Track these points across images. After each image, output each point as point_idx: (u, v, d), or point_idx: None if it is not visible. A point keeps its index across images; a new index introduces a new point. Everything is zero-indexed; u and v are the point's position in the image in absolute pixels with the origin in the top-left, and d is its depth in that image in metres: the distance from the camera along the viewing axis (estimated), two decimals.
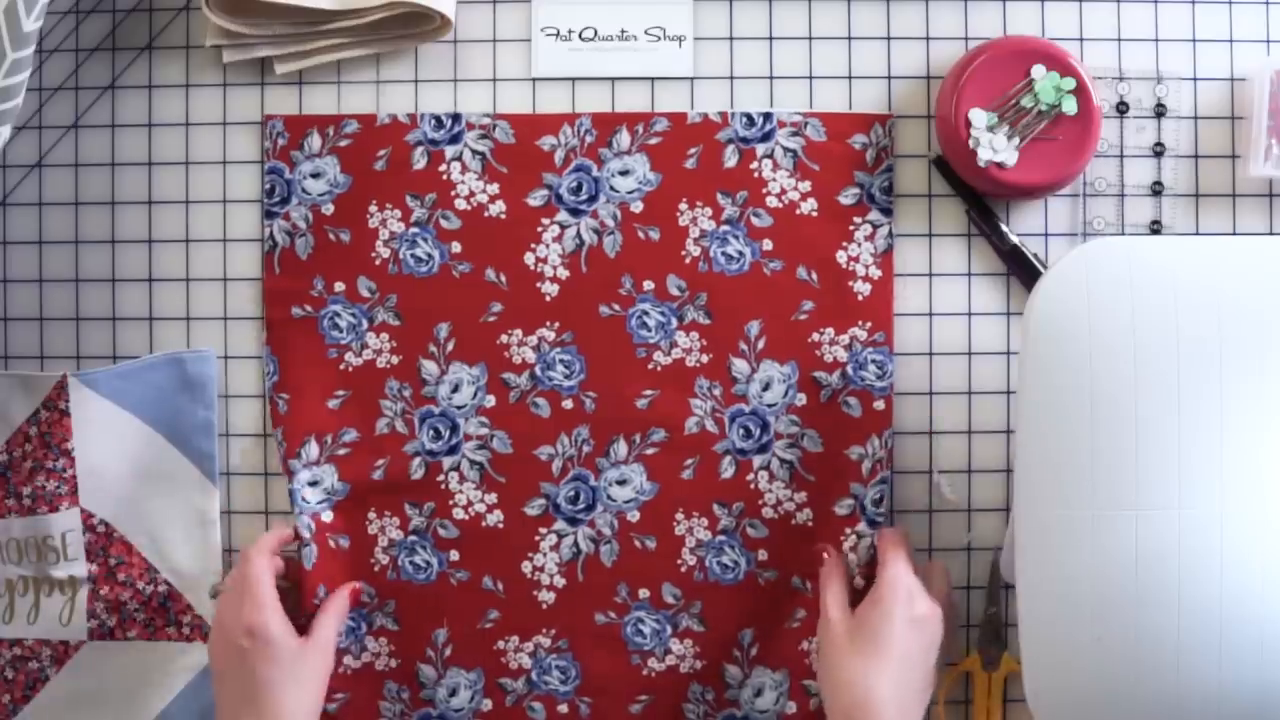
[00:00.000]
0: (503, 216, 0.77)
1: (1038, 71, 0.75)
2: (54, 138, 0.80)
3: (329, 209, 0.78)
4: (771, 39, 0.79)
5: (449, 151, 0.77)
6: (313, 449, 0.77)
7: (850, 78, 0.79)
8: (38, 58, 0.77)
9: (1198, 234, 0.79)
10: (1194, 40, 0.79)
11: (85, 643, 0.77)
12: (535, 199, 0.77)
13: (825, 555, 0.74)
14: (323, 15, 0.76)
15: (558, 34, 0.79)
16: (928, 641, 0.70)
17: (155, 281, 0.80)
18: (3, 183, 0.80)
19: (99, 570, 0.77)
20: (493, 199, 0.77)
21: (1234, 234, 0.79)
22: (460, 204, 0.77)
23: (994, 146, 0.75)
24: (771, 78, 0.79)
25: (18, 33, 0.65)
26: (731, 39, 0.79)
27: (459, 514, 0.77)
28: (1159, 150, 0.78)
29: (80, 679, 0.77)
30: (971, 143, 0.75)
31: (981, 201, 0.78)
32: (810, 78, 0.79)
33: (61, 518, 0.77)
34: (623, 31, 0.79)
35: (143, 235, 0.80)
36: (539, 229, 0.77)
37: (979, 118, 0.75)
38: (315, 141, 0.78)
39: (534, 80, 0.79)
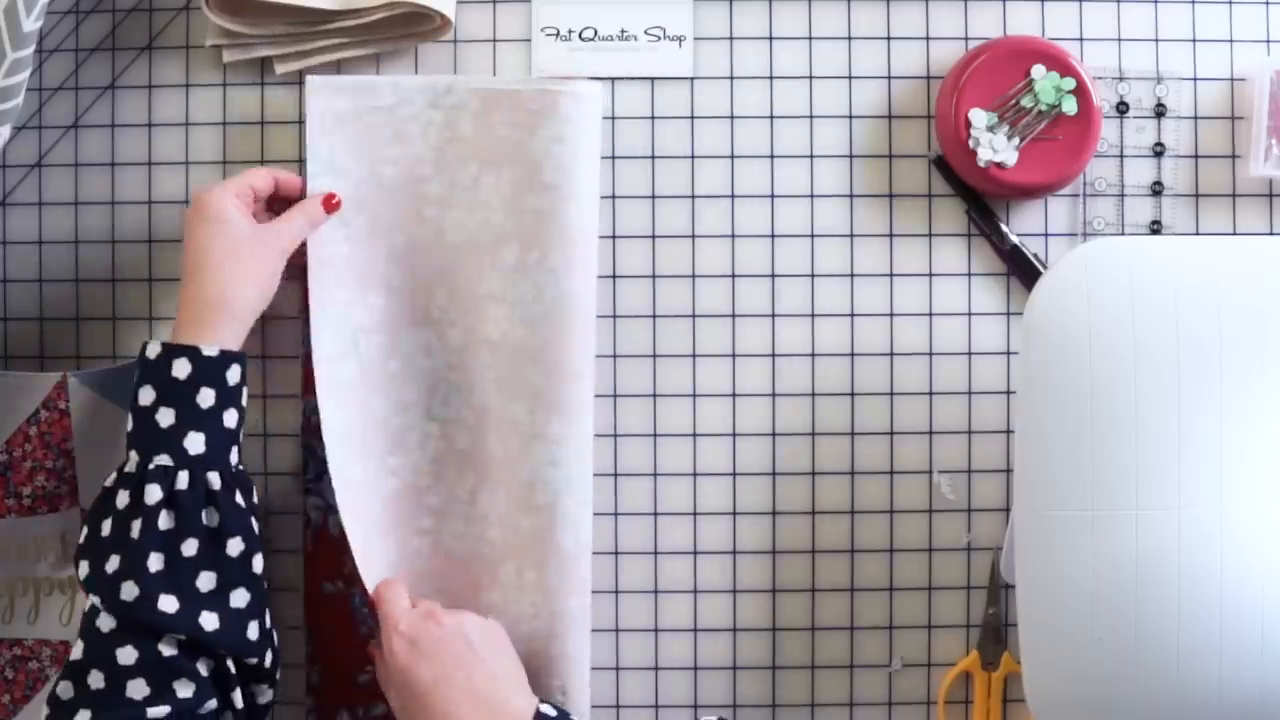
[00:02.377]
0: None
1: (1038, 71, 0.75)
2: (54, 138, 0.80)
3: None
4: (771, 39, 0.79)
5: None
6: None
7: (850, 78, 0.79)
8: (38, 58, 0.77)
9: (1198, 234, 0.79)
10: (1194, 40, 0.79)
11: None
12: None
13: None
14: (323, 15, 0.76)
15: (558, 34, 0.79)
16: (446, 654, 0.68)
17: (155, 281, 0.80)
18: (3, 183, 0.80)
19: None
20: None
21: (1234, 234, 0.79)
22: None
23: (994, 146, 0.75)
24: (772, 77, 0.79)
25: (18, 33, 0.65)
26: (731, 39, 0.79)
27: None
28: (1159, 150, 0.79)
29: None
30: (971, 143, 0.75)
31: (981, 201, 0.78)
32: (810, 78, 0.79)
33: (61, 518, 0.77)
34: (623, 31, 0.79)
35: (143, 235, 0.80)
36: None
37: (979, 118, 0.75)
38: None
39: (535, 78, 0.78)
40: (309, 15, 0.76)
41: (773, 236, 0.79)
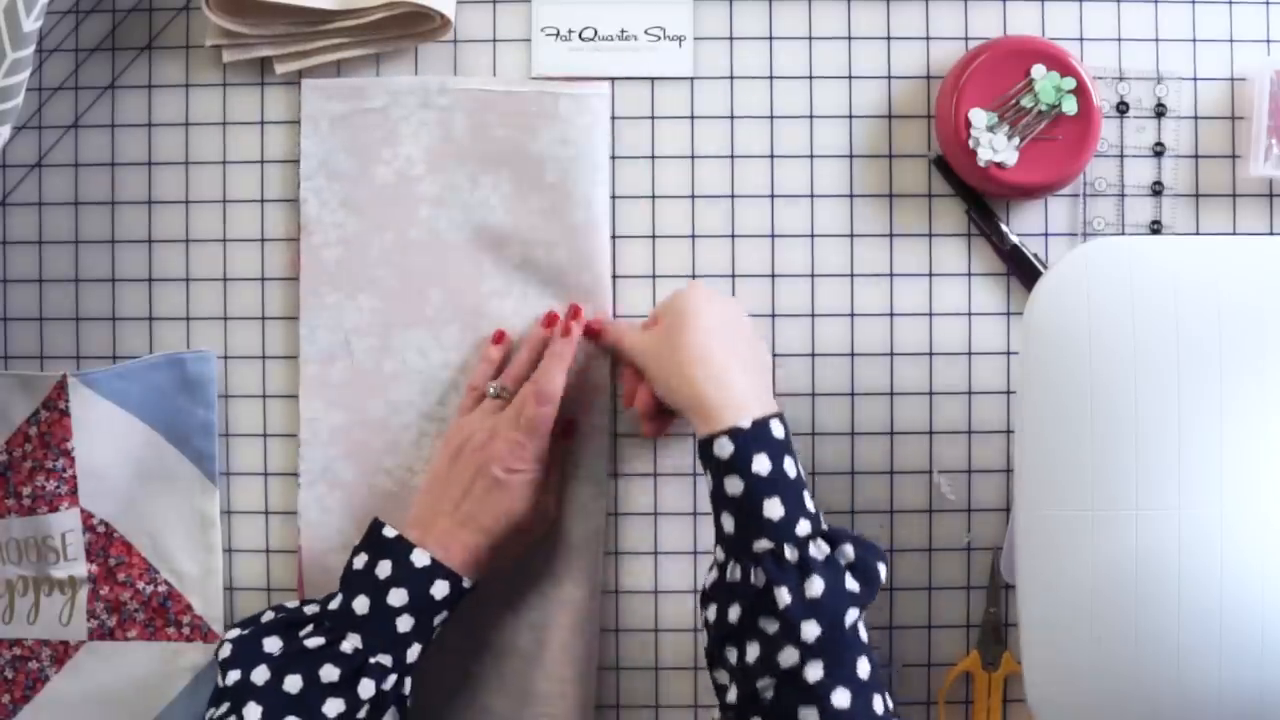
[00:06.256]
0: None
1: (1038, 71, 0.75)
2: (54, 138, 0.80)
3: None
4: (771, 39, 0.79)
5: None
6: None
7: (850, 78, 0.79)
8: (38, 58, 0.77)
9: (1198, 234, 0.79)
10: (1194, 40, 0.79)
11: (85, 643, 0.77)
12: None
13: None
14: (323, 15, 0.76)
15: (558, 34, 0.79)
16: (732, 312, 0.72)
17: (155, 281, 0.80)
18: (3, 183, 0.80)
19: (99, 570, 0.77)
20: None
21: (1234, 234, 0.79)
22: None
23: (994, 146, 0.75)
24: (771, 77, 0.79)
25: (18, 33, 0.65)
26: (731, 39, 0.79)
27: None
28: (1159, 150, 0.78)
29: (80, 679, 0.77)
30: (971, 143, 0.75)
31: (981, 201, 0.78)
32: (810, 77, 0.79)
33: (61, 518, 0.77)
34: (623, 31, 0.79)
35: (143, 235, 0.80)
36: None
37: (979, 118, 0.75)
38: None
39: (534, 80, 0.78)
40: (309, 15, 0.76)
41: (773, 236, 0.79)
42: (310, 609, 0.69)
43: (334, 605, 0.68)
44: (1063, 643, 0.63)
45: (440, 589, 0.68)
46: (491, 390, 0.74)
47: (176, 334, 0.79)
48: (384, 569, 0.68)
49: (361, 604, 0.67)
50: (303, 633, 0.67)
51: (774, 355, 0.79)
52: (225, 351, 0.79)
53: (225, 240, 0.79)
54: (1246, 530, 0.61)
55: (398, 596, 0.67)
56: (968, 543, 0.79)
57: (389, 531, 0.69)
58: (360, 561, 0.69)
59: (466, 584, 0.69)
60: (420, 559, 0.68)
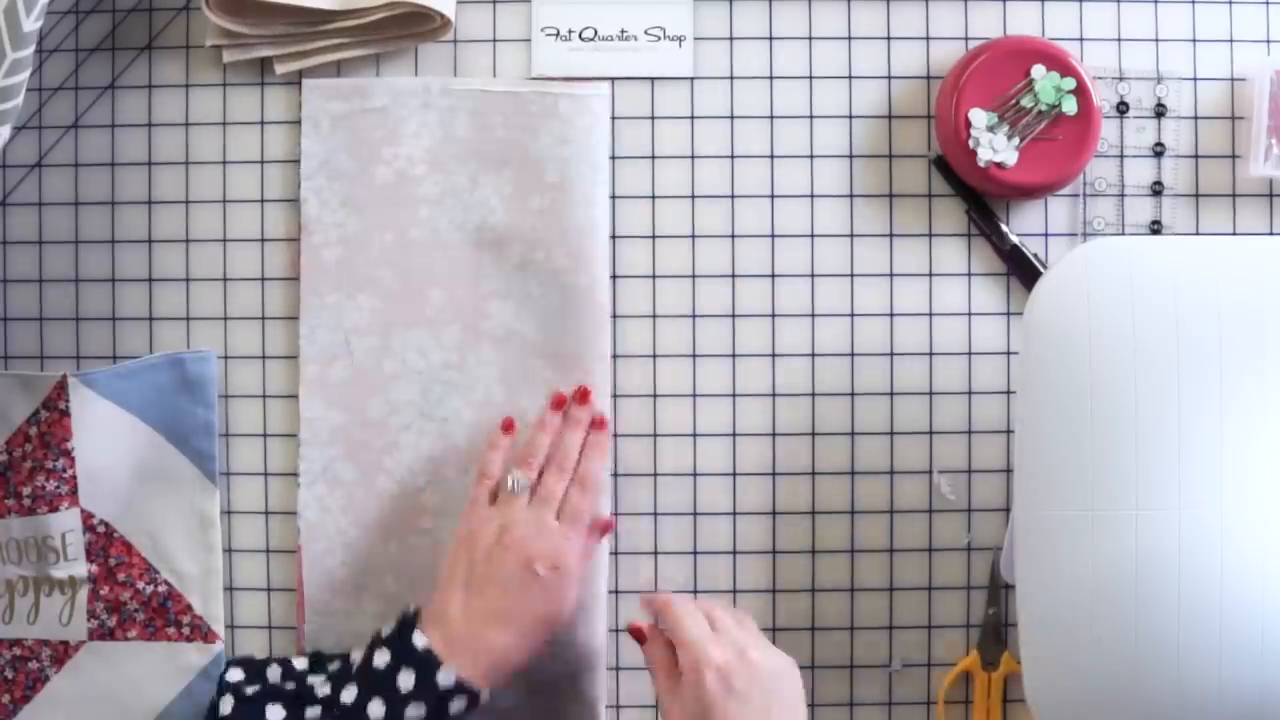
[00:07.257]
0: None
1: (1038, 71, 0.75)
2: (54, 138, 0.80)
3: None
4: (771, 39, 0.79)
5: None
6: None
7: (850, 78, 0.79)
8: (38, 58, 0.77)
9: (1198, 234, 0.79)
10: (1194, 40, 0.79)
11: (85, 643, 0.77)
12: None
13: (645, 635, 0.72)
14: (323, 15, 0.76)
15: (558, 34, 0.79)
16: (760, 688, 0.65)
17: (155, 281, 0.80)
18: (3, 183, 0.80)
19: (99, 570, 0.77)
20: None
21: (1234, 234, 0.79)
22: None
23: (994, 146, 0.75)
24: (771, 77, 0.79)
25: (18, 33, 0.65)
26: (731, 39, 0.79)
27: None
28: (1159, 150, 0.79)
29: (80, 679, 0.77)
30: (971, 143, 0.75)
31: (981, 201, 0.78)
32: (810, 78, 0.79)
33: (61, 518, 0.77)
34: (623, 31, 0.79)
35: (143, 235, 0.80)
36: None
37: (979, 118, 0.75)
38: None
39: (534, 80, 0.79)
40: (309, 15, 0.76)
41: (773, 236, 0.79)
42: (320, 687, 0.69)
43: (347, 698, 0.67)
44: (1063, 643, 0.63)
45: (458, 705, 0.67)
46: (512, 485, 0.72)
47: (176, 334, 0.79)
48: (406, 681, 0.67)
49: (376, 709, 0.67)
50: (309, 715, 0.68)
51: (774, 355, 0.79)
52: (225, 351, 0.79)
53: (225, 240, 0.79)
54: (1246, 530, 0.61)
55: (415, 710, 0.67)
56: (968, 543, 0.79)
57: (419, 641, 0.68)
58: (382, 660, 0.68)
59: (484, 699, 0.68)
60: (445, 679, 0.67)
